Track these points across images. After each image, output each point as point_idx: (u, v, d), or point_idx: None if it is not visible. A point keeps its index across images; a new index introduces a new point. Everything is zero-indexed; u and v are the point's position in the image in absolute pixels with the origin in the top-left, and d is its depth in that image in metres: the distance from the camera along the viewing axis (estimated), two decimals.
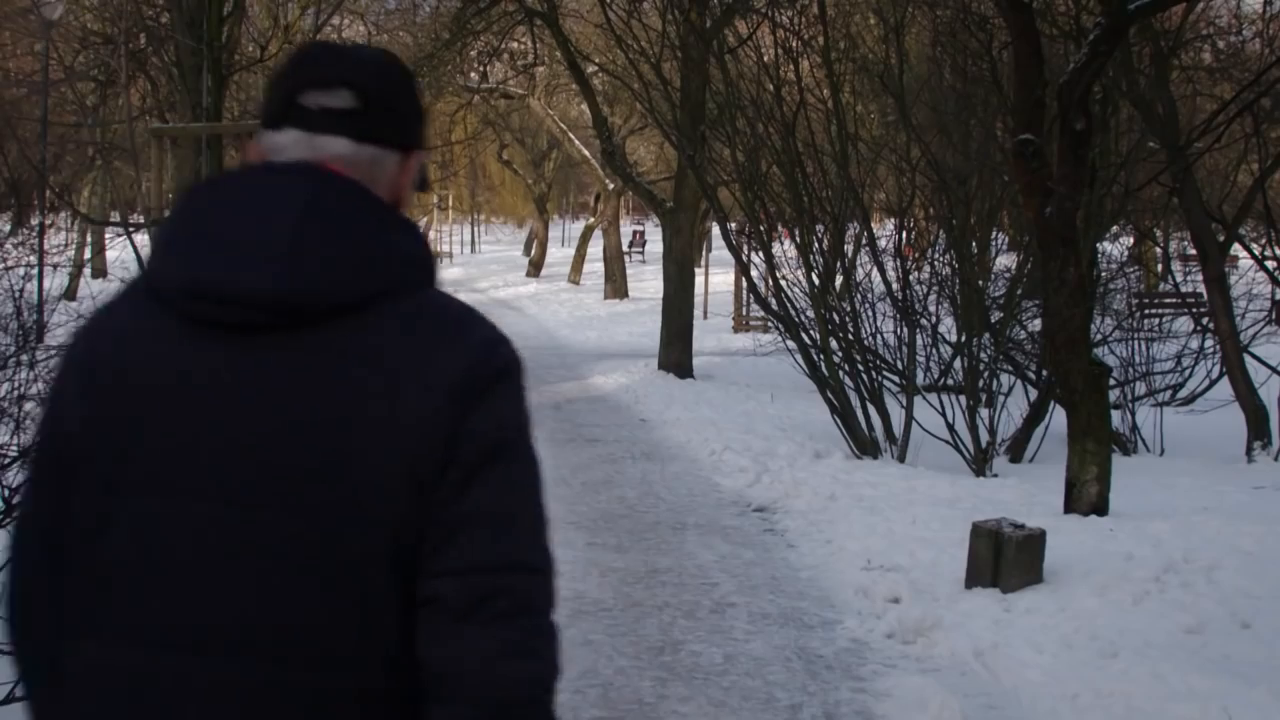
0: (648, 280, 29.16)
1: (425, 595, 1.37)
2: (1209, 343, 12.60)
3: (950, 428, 9.67)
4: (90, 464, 1.44)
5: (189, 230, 1.43)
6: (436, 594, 1.36)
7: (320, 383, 1.37)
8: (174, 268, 1.42)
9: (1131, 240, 17.95)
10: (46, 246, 11.90)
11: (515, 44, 23.82)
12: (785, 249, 11.57)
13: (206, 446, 1.39)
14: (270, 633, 1.36)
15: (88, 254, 23.72)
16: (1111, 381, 8.41)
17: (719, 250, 23.71)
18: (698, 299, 16.92)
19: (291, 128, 1.47)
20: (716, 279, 24.51)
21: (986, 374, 10.43)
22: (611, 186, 28.62)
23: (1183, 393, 12.92)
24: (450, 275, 39.27)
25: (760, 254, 10.90)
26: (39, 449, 1.52)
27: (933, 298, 11.05)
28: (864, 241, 11.53)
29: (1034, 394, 10.59)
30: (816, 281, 10.37)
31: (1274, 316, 14.16)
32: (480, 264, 45.25)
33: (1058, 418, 8.75)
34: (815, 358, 10.18)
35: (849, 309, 10.69)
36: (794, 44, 11.04)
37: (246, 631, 1.36)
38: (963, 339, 10.61)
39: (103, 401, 1.43)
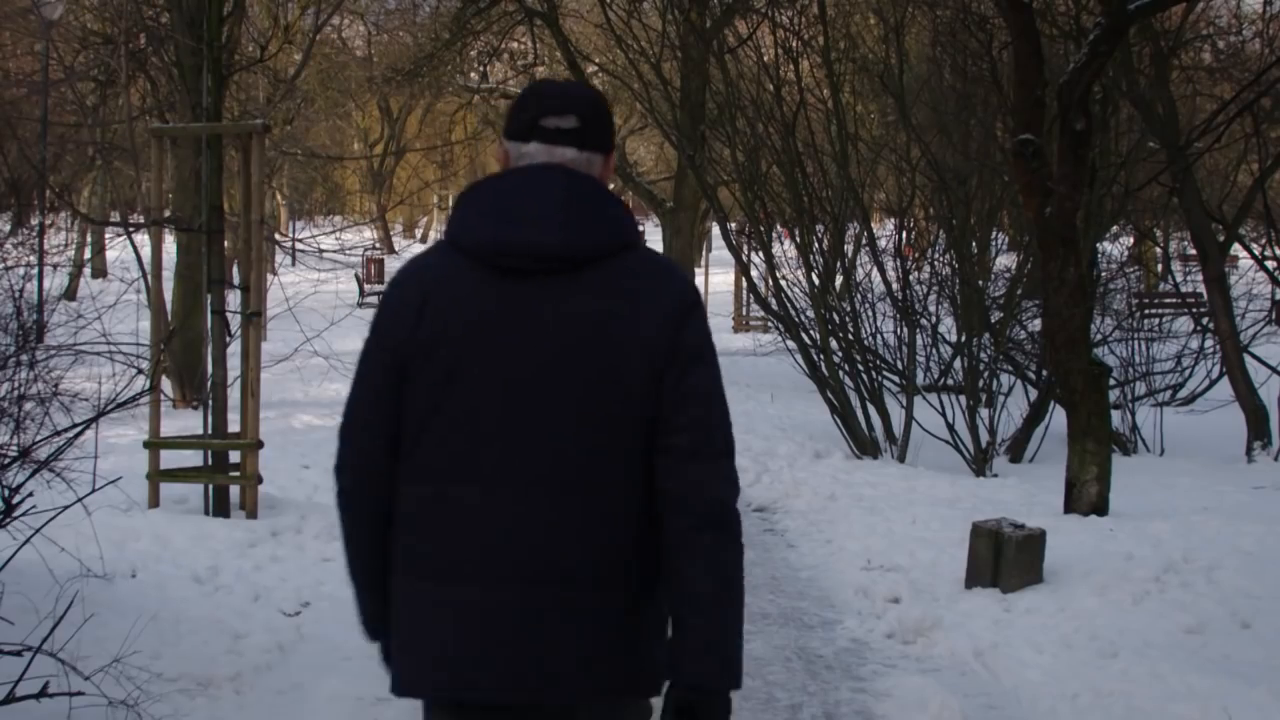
0: None
1: (664, 445, 2.12)
2: (1209, 343, 12.60)
3: (950, 428, 9.67)
4: (424, 364, 2.15)
5: (488, 209, 2.17)
6: (673, 443, 2.11)
7: (584, 306, 2.12)
8: (483, 233, 2.15)
9: (1131, 240, 17.95)
10: (46, 246, 11.89)
11: (515, 44, 23.80)
12: (785, 249, 11.57)
13: (513, 349, 2.13)
14: (565, 463, 2.12)
15: (88, 254, 23.72)
16: (1111, 381, 8.41)
17: (719, 250, 23.71)
18: None
19: (536, 142, 2.21)
20: (716, 279, 24.49)
21: (986, 374, 10.43)
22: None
23: (1183, 393, 12.92)
24: None
25: (760, 254, 10.89)
26: (374, 352, 2.22)
27: (933, 298, 11.06)
28: (864, 241, 11.53)
29: (1034, 394, 10.59)
30: (816, 281, 10.36)
31: (1274, 316, 14.16)
32: None
33: (1058, 418, 8.75)
34: (815, 358, 10.18)
35: (849, 309, 10.69)
36: (794, 44, 11.03)
37: (551, 462, 2.12)
38: (963, 339, 10.61)
39: (435, 322, 2.15)
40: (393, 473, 2.23)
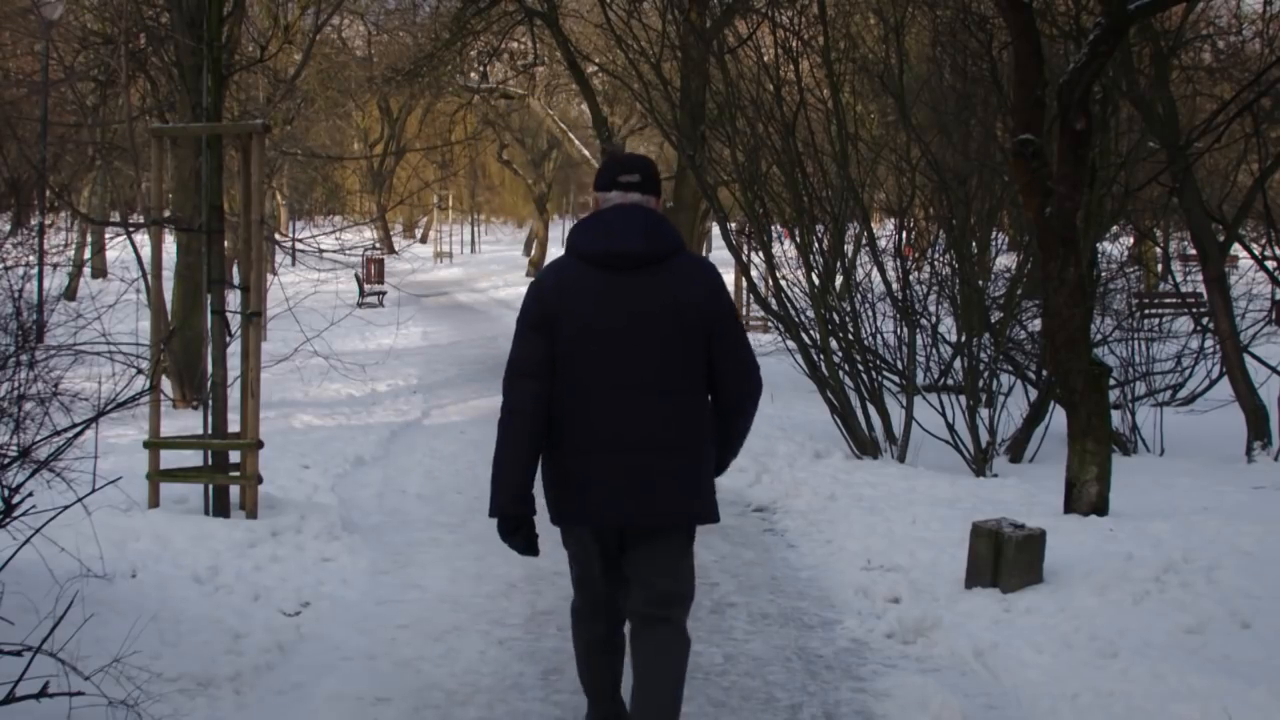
0: None
1: (718, 365, 3.74)
2: (1209, 343, 12.59)
3: (950, 428, 9.66)
4: (565, 323, 3.67)
5: (597, 231, 3.73)
6: (724, 365, 3.74)
7: (657, 286, 3.67)
8: (596, 246, 3.70)
9: (1131, 240, 17.94)
10: (46, 246, 11.89)
11: (515, 44, 23.80)
12: (785, 249, 11.55)
13: (618, 313, 3.66)
14: (654, 379, 3.68)
15: (88, 254, 23.70)
16: (1111, 381, 8.40)
17: (719, 250, 23.70)
18: None
19: (615, 190, 3.77)
20: None
21: (986, 374, 10.42)
22: None
23: (1183, 393, 12.90)
24: (450, 275, 39.22)
25: (760, 254, 10.88)
26: (530, 322, 3.72)
27: (933, 298, 11.04)
28: (864, 241, 11.51)
29: (1034, 394, 10.58)
30: (816, 281, 10.36)
31: (1274, 316, 14.15)
32: (480, 264, 45.14)
33: (1058, 418, 8.75)
34: (815, 358, 10.17)
35: (849, 309, 10.67)
36: (794, 44, 11.01)
37: (652, 382, 3.68)
38: (963, 339, 10.60)
39: (570, 297, 3.68)
40: (543, 390, 3.70)
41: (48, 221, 12.43)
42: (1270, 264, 11.43)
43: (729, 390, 3.78)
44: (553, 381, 3.70)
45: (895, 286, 10.47)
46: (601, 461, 3.69)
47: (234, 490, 7.13)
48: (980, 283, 10.74)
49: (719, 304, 3.72)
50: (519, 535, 3.73)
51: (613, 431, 3.68)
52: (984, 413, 9.80)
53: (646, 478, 3.68)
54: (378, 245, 29.92)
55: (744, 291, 19.68)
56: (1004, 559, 5.75)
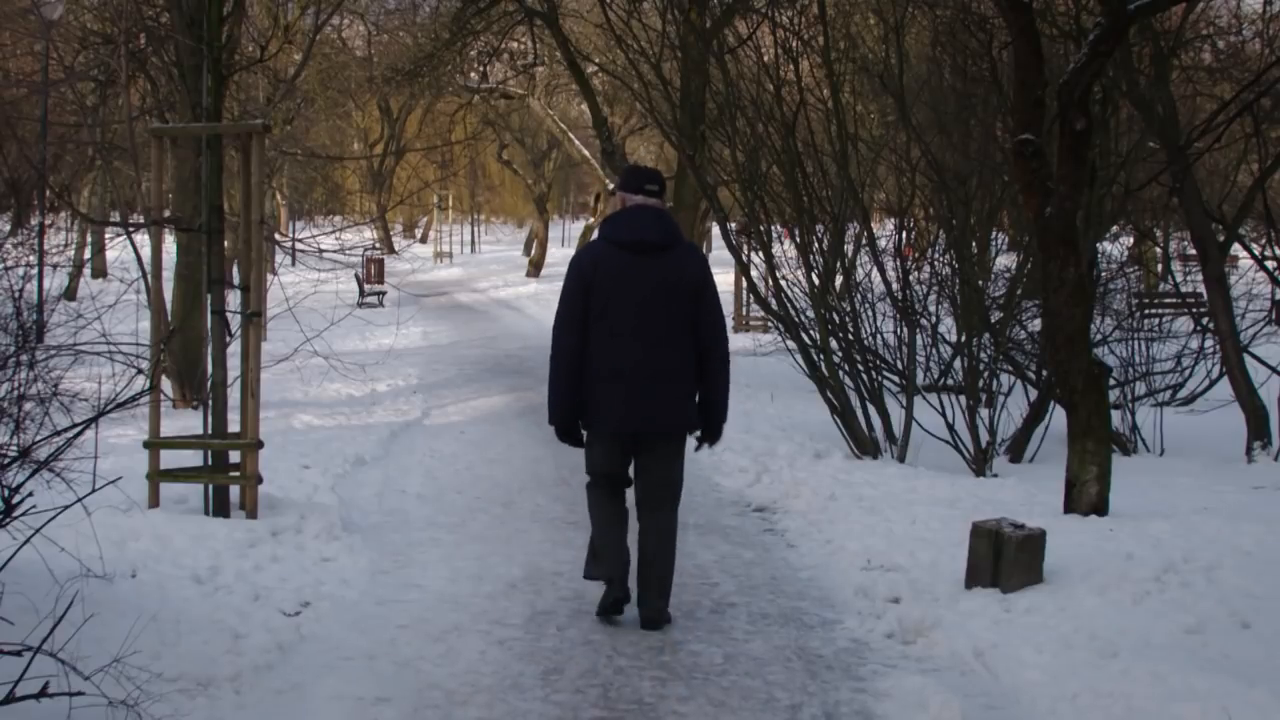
0: None
1: (699, 323, 5.48)
2: (1209, 343, 12.58)
3: (950, 428, 9.66)
4: (597, 291, 5.38)
5: (626, 224, 5.48)
6: (703, 322, 5.50)
7: (666, 265, 5.44)
8: (624, 234, 5.44)
9: (1131, 240, 17.93)
10: (46, 246, 11.89)
11: (515, 44, 23.80)
12: (785, 249, 11.55)
13: (637, 284, 5.40)
14: (661, 331, 5.42)
15: (88, 254, 23.71)
16: (1111, 381, 8.39)
17: (719, 250, 23.70)
18: None
19: (640, 195, 5.52)
20: (717, 279, 24.39)
21: (986, 374, 10.42)
22: (611, 186, 28.60)
23: (1183, 393, 12.89)
24: (450, 275, 39.21)
25: (760, 254, 10.88)
26: (573, 288, 5.43)
27: (933, 298, 11.03)
28: (864, 241, 11.51)
29: (1034, 394, 10.58)
30: (816, 281, 10.35)
31: (1274, 316, 14.14)
32: (480, 264, 45.10)
33: (1058, 418, 8.74)
34: (815, 358, 10.16)
35: (849, 309, 10.67)
36: (794, 44, 11.01)
37: (659, 333, 5.41)
38: (963, 339, 10.60)
39: (602, 272, 5.40)
40: (581, 341, 5.35)
41: (48, 221, 12.43)
42: (1270, 264, 11.43)
43: (705, 337, 5.44)
44: (588, 332, 5.33)
45: (895, 286, 10.46)
46: (621, 387, 5.34)
47: (234, 490, 7.13)
48: (980, 283, 10.74)
49: (704, 278, 5.47)
50: (571, 436, 5.54)
51: (630, 366, 5.33)
52: (984, 413, 9.80)
53: (652, 398, 5.36)
54: (378, 245, 29.93)
55: (744, 291, 19.70)
56: (1004, 559, 5.74)
